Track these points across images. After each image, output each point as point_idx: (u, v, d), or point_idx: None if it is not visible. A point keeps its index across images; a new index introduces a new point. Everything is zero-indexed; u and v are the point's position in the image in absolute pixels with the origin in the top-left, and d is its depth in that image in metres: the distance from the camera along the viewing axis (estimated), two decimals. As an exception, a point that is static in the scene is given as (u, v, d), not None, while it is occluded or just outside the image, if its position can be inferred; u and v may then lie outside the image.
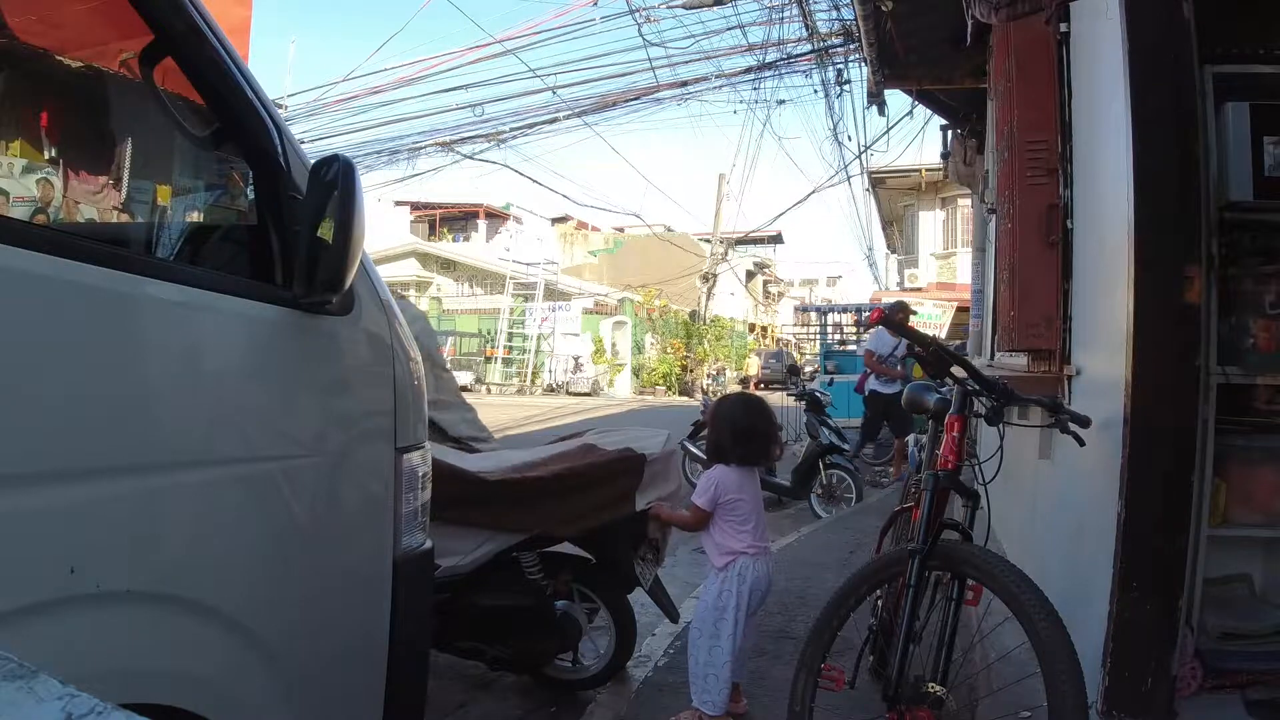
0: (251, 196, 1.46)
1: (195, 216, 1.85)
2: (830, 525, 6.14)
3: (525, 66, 19.54)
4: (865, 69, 6.52)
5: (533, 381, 24.25)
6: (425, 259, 30.09)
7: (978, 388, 2.14)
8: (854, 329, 16.37)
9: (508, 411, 16.12)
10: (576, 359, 24.23)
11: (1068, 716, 1.68)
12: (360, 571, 1.50)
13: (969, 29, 3.85)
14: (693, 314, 27.87)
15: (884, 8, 4.76)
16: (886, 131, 13.56)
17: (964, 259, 16.86)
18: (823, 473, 6.70)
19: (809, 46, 11.49)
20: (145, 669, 1.06)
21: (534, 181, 37.96)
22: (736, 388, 21.95)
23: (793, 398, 7.73)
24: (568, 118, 15.41)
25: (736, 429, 2.65)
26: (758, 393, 4.34)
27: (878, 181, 18.64)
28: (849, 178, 15.41)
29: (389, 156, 16.95)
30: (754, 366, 29.07)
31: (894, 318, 2.07)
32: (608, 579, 2.98)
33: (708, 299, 27.02)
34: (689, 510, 2.64)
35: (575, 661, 3.04)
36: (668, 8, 12.14)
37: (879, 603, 2.55)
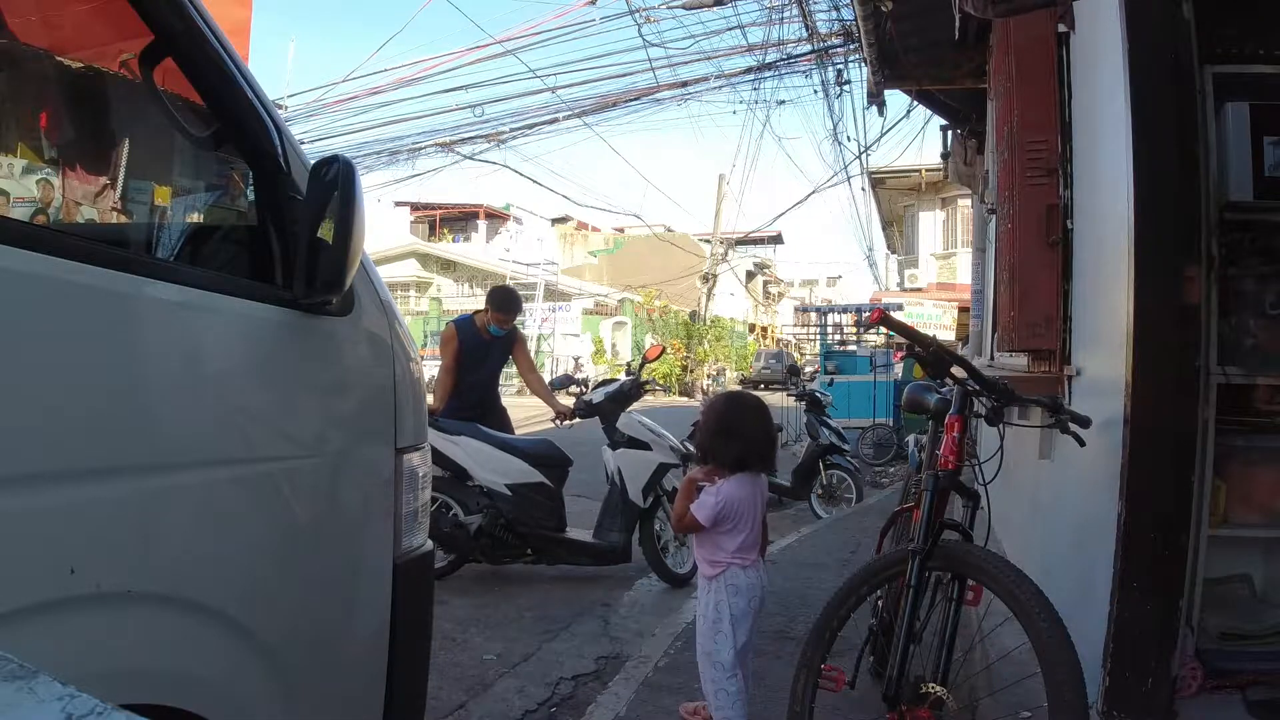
0: (251, 197, 1.45)
1: (195, 217, 1.85)
2: (830, 525, 6.14)
3: (525, 67, 19.56)
4: (865, 69, 6.52)
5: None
6: (425, 259, 30.11)
7: (978, 388, 2.14)
8: (854, 329, 16.38)
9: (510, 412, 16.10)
10: (576, 359, 24.25)
11: (1068, 717, 1.68)
12: (360, 572, 1.50)
13: (957, 24, 3.84)
14: (693, 314, 27.88)
15: (884, 8, 4.77)
16: (886, 132, 13.58)
17: (964, 259, 16.87)
18: (823, 473, 6.71)
19: (809, 47, 11.49)
20: (145, 669, 1.06)
21: (534, 182, 38.16)
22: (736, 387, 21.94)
23: (793, 398, 7.74)
24: (568, 118, 15.41)
25: (722, 428, 2.45)
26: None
27: (877, 182, 18.64)
28: (849, 178, 15.41)
29: (389, 157, 16.96)
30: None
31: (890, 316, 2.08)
32: None
33: (708, 299, 27.02)
34: (689, 513, 2.42)
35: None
36: (668, 8, 12.15)
37: (879, 603, 2.54)
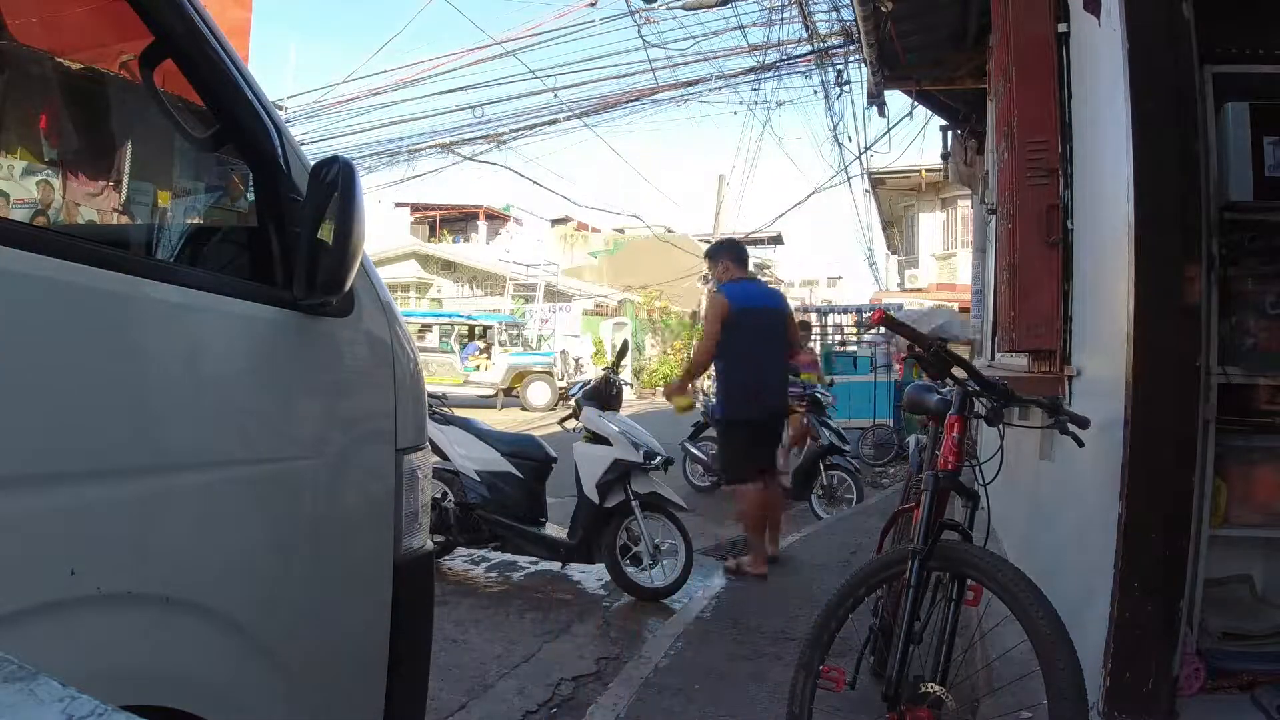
0: (251, 198, 1.46)
1: (195, 218, 1.85)
2: (831, 526, 6.14)
3: (525, 68, 19.52)
4: (865, 70, 6.52)
5: (532, 383, 24.19)
6: (425, 260, 30.07)
7: (978, 388, 2.14)
8: (854, 330, 16.37)
9: (509, 412, 16.13)
10: (577, 360, 24.22)
11: (1068, 717, 1.68)
12: (361, 573, 1.50)
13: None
14: (693, 315, 27.85)
15: (884, 8, 4.77)
16: (886, 132, 13.58)
17: (964, 259, 16.86)
18: (823, 474, 6.69)
19: (809, 47, 11.48)
20: (146, 671, 1.07)
21: (534, 183, 38.12)
22: None
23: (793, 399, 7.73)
24: (568, 119, 15.38)
25: None
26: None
27: (878, 182, 18.60)
28: (849, 178, 15.35)
29: (389, 158, 16.91)
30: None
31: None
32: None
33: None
34: None
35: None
36: (667, 9, 12.13)
37: (879, 603, 2.54)
